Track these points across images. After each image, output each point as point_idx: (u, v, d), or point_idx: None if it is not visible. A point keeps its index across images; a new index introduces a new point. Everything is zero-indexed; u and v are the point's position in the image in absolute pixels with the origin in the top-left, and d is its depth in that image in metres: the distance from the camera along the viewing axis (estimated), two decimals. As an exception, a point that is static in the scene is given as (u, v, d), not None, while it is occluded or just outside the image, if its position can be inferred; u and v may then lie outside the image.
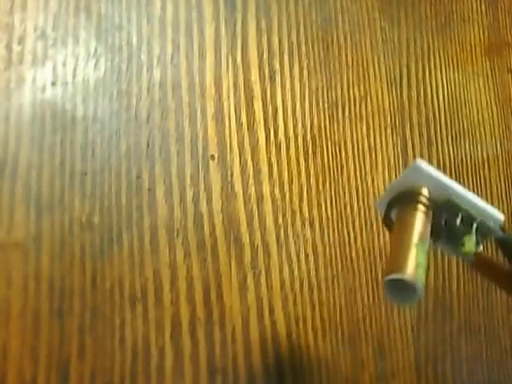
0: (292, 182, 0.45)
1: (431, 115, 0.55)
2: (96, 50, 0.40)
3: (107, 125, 0.39)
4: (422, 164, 0.34)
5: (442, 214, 0.34)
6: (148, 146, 0.40)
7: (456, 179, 0.53)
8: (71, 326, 0.36)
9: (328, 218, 0.46)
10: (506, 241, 0.34)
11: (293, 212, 0.45)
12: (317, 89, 0.48)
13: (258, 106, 0.45)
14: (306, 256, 0.44)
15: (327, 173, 0.47)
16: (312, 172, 0.46)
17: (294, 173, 0.45)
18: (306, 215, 0.45)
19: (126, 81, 0.40)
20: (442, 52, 0.57)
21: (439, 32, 0.58)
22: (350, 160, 0.48)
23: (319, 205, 0.46)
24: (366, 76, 0.51)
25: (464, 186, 0.54)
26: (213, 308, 0.40)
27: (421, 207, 0.33)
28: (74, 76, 0.39)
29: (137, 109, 0.40)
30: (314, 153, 0.47)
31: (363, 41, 0.52)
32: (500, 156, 0.58)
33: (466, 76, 0.58)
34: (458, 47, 0.59)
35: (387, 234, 0.38)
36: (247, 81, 0.45)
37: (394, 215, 0.34)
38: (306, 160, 0.46)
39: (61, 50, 0.38)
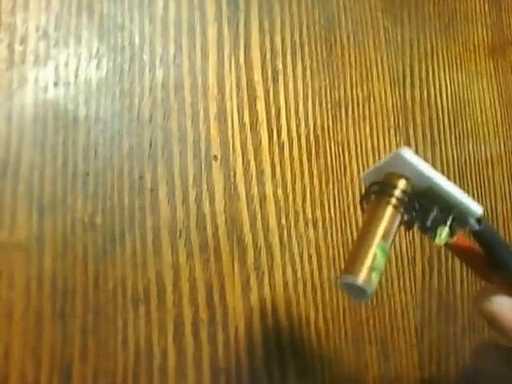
0: (295, 183, 0.45)
1: (435, 115, 0.54)
2: (98, 50, 0.40)
3: (109, 125, 0.39)
4: (405, 153, 0.32)
5: (419, 203, 0.33)
6: (150, 146, 0.40)
7: (460, 179, 0.54)
8: (74, 327, 0.36)
9: (331, 218, 0.46)
10: (480, 234, 0.34)
11: (296, 212, 0.44)
12: (320, 89, 0.48)
13: (260, 106, 0.45)
14: (310, 257, 0.44)
15: (330, 173, 0.47)
16: (315, 172, 0.46)
17: (297, 173, 0.45)
18: (309, 216, 0.45)
19: (129, 81, 0.40)
20: (445, 52, 0.57)
21: (442, 32, 0.57)
22: (354, 160, 0.48)
23: (322, 205, 0.46)
24: (369, 76, 0.51)
25: (468, 186, 0.54)
26: (216, 309, 0.40)
27: (393, 201, 0.33)
28: (76, 76, 0.39)
29: (139, 109, 0.40)
30: (317, 153, 0.46)
31: (366, 41, 0.52)
32: (504, 156, 0.58)
33: (469, 76, 0.58)
34: (462, 47, 0.59)
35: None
36: (250, 81, 0.45)
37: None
38: (309, 160, 0.46)
39: (63, 50, 0.38)
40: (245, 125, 0.44)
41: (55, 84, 0.38)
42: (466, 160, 0.56)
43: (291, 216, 0.44)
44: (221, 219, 0.41)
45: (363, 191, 0.34)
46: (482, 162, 0.57)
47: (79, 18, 0.39)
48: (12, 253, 0.35)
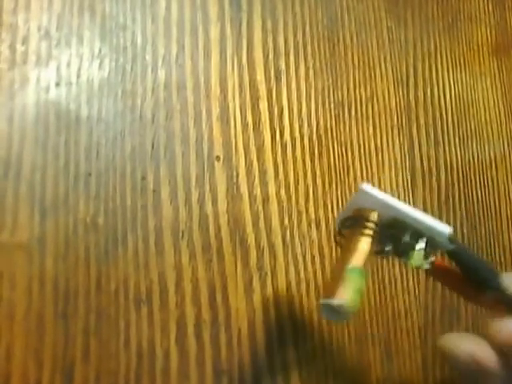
0: (298, 183, 0.45)
1: (438, 115, 0.54)
2: (100, 51, 0.39)
3: (112, 125, 0.39)
4: (367, 187, 0.35)
5: (390, 232, 0.35)
6: (153, 146, 0.40)
7: (463, 179, 0.53)
8: (76, 328, 0.36)
9: (334, 218, 0.46)
10: (455, 253, 0.35)
11: (299, 213, 0.44)
12: (323, 89, 0.48)
13: (263, 106, 0.45)
14: (313, 257, 0.44)
15: (333, 173, 0.46)
16: (318, 173, 0.46)
17: (300, 173, 0.45)
18: (313, 216, 0.45)
19: (131, 81, 0.40)
20: (448, 52, 0.57)
21: (446, 32, 0.57)
22: (357, 160, 0.48)
23: (325, 206, 0.46)
24: (373, 76, 0.51)
25: (471, 186, 0.54)
26: (218, 310, 0.40)
27: (366, 231, 0.35)
28: (79, 76, 0.38)
29: (141, 109, 0.40)
30: (320, 153, 0.46)
31: (369, 40, 0.51)
32: (508, 156, 0.58)
33: (473, 76, 0.58)
34: (465, 47, 0.58)
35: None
36: (253, 81, 0.45)
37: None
38: (312, 160, 0.46)
39: (65, 51, 0.38)
40: (247, 125, 0.44)
41: (57, 84, 0.38)
42: (469, 160, 0.55)
43: (294, 216, 0.44)
44: (223, 220, 0.41)
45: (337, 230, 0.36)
46: (485, 162, 0.56)
47: (81, 18, 0.39)
48: (14, 254, 0.35)
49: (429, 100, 0.54)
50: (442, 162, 0.53)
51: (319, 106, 0.47)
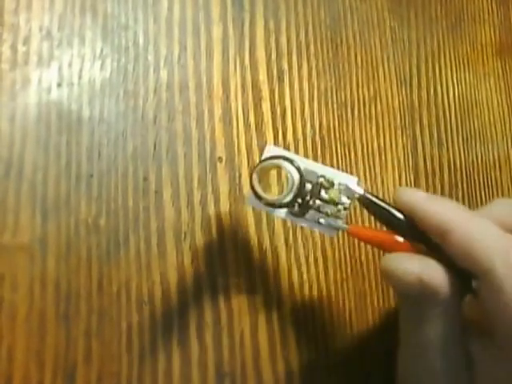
0: (301, 184, 0.44)
1: (441, 115, 0.54)
2: (102, 51, 0.39)
3: (113, 126, 0.39)
4: (274, 148, 0.37)
5: (305, 184, 0.36)
6: (155, 147, 0.40)
7: (467, 180, 0.53)
8: (77, 329, 0.36)
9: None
10: (366, 198, 0.36)
11: (302, 214, 0.44)
12: (326, 89, 0.48)
13: (266, 106, 0.44)
14: (315, 259, 0.44)
15: (336, 174, 0.46)
16: (321, 173, 0.46)
17: (303, 174, 0.45)
18: (315, 217, 0.45)
19: (133, 81, 0.40)
20: (452, 52, 0.57)
21: (449, 32, 0.57)
22: (360, 161, 0.48)
23: (328, 207, 0.45)
24: (376, 76, 0.51)
25: (475, 186, 0.54)
26: (221, 312, 0.40)
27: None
28: (80, 77, 0.38)
29: (143, 110, 0.40)
30: (323, 154, 0.46)
31: (373, 40, 0.51)
32: (511, 156, 0.58)
33: (476, 76, 0.58)
34: (469, 47, 0.58)
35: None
36: (255, 81, 0.44)
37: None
38: (315, 161, 0.46)
39: (66, 51, 0.38)
40: (250, 126, 0.43)
41: (59, 85, 0.38)
42: (473, 160, 0.55)
43: (297, 217, 0.44)
44: (226, 221, 0.41)
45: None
46: (489, 163, 0.56)
47: (83, 18, 0.39)
48: (15, 255, 0.35)
49: (432, 100, 0.54)
50: (445, 162, 0.53)
51: (322, 106, 0.47)
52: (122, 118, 0.39)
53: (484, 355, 0.34)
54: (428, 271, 0.33)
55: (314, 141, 0.46)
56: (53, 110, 0.37)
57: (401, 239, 0.35)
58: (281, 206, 0.36)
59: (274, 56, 0.46)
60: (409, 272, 0.33)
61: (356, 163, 0.48)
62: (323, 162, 0.46)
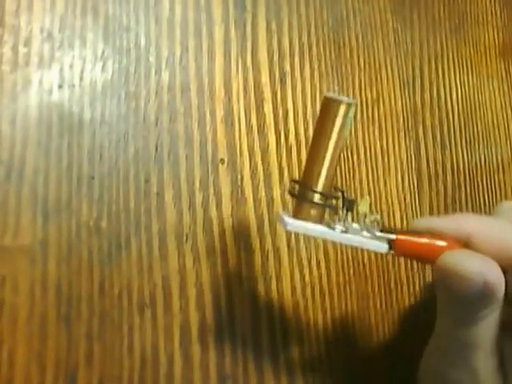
0: (303, 186, 0.44)
1: (445, 117, 0.54)
2: (103, 52, 0.39)
3: (115, 128, 0.39)
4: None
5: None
6: (156, 149, 0.40)
7: (470, 183, 0.53)
8: (79, 332, 0.36)
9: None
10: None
11: (304, 216, 0.44)
12: (328, 91, 0.47)
13: (268, 108, 0.44)
14: (318, 261, 0.44)
15: (339, 176, 0.46)
16: (323, 175, 0.45)
17: (305, 176, 0.45)
18: (318, 219, 0.44)
19: (134, 83, 0.40)
20: (455, 54, 0.56)
21: (453, 33, 0.57)
22: (362, 163, 0.48)
23: (331, 209, 0.45)
24: (379, 78, 0.51)
25: (478, 189, 0.53)
26: (222, 314, 0.40)
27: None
28: (81, 78, 0.38)
29: (145, 112, 0.40)
30: (326, 156, 0.46)
31: (375, 42, 0.51)
32: (515, 159, 0.57)
33: (480, 78, 0.57)
34: (472, 49, 0.58)
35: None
36: (257, 83, 0.44)
37: None
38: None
39: (68, 52, 0.38)
40: (252, 128, 0.43)
41: (60, 86, 0.38)
42: (476, 163, 0.55)
43: (299, 220, 0.44)
44: (228, 223, 0.41)
45: None
46: (492, 165, 0.56)
47: (84, 19, 0.39)
48: (16, 257, 0.35)
49: (435, 102, 0.54)
50: (448, 164, 0.53)
51: (324, 108, 0.47)
52: (124, 119, 0.39)
53: None
54: (492, 271, 0.32)
55: (316, 143, 0.46)
56: (54, 111, 0.37)
57: (443, 243, 0.34)
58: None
59: (276, 57, 0.46)
60: (474, 271, 0.31)
61: (359, 165, 0.48)
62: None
